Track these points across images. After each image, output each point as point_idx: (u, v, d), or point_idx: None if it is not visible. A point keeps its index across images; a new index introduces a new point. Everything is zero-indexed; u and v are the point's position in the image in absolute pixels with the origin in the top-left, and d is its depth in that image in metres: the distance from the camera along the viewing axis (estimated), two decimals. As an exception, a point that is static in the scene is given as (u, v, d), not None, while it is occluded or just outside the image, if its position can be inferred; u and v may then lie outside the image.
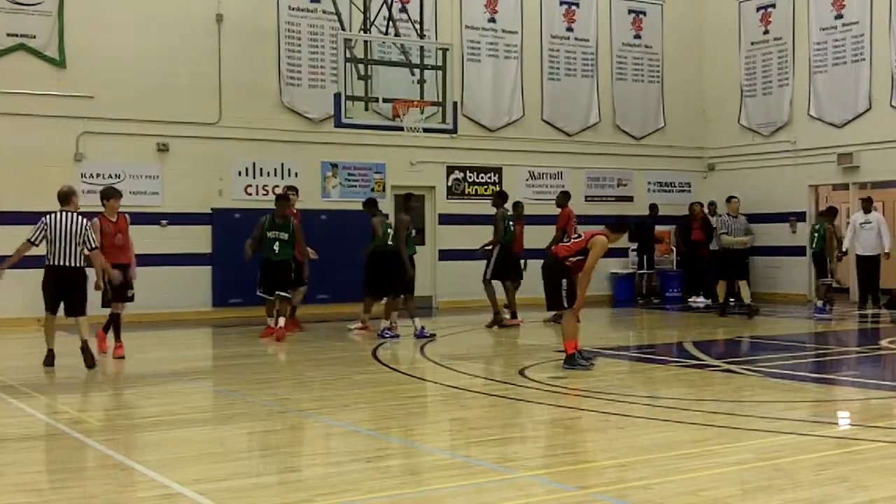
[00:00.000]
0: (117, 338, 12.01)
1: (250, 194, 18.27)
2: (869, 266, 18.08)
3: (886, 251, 17.79)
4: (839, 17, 20.86)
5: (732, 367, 10.98)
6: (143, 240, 17.19)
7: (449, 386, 10.05)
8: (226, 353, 13.39)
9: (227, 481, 6.16)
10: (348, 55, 15.72)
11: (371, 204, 15.12)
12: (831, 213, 18.24)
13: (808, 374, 10.51)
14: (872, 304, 18.09)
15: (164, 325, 16.40)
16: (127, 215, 12.45)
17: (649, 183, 23.03)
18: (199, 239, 17.78)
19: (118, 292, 11.84)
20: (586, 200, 21.90)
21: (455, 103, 16.81)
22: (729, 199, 17.74)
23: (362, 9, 17.02)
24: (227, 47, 18.29)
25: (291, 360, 12.41)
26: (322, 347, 13.32)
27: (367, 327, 14.68)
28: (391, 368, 11.39)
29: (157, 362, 12.15)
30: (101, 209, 12.05)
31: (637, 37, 22.90)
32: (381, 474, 6.31)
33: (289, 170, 18.85)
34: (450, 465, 6.55)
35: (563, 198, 17.14)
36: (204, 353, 13.78)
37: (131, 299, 12.33)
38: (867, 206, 18.16)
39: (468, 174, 20.79)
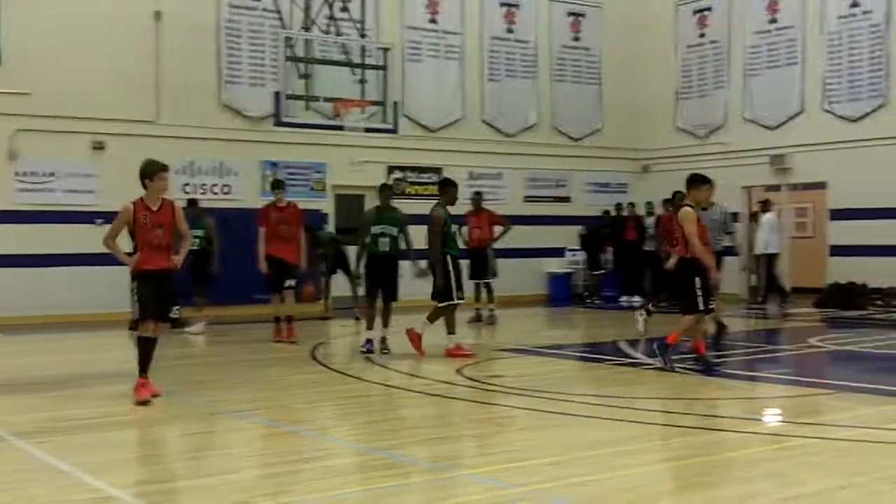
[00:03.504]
0: None
1: (188, 193, 18.11)
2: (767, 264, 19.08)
3: (775, 251, 18.57)
4: (774, 21, 21.29)
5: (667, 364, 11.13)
6: (78, 239, 17.10)
7: (387, 386, 10.08)
8: (161, 355, 13.23)
9: (163, 483, 6.14)
10: (289, 54, 15.69)
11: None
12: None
13: (740, 372, 10.72)
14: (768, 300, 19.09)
15: (98, 326, 16.17)
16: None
17: (586, 183, 23.27)
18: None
19: None
20: (525, 201, 22.07)
21: (396, 103, 16.86)
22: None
23: (303, 7, 16.98)
24: (165, 45, 18.09)
25: (228, 360, 12.32)
26: (259, 348, 13.23)
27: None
28: (329, 369, 11.38)
29: (92, 363, 11.99)
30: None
31: (576, 39, 23.12)
32: (320, 475, 6.31)
33: (228, 168, 18.72)
34: (388, 465, 6.58)
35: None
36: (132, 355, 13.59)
37: None
38: (766, 207, 19.28)
39: (409, 174, 20.83)
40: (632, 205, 21.95)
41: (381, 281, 12.20)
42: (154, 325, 8.92)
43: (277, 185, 14.17)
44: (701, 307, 10.51)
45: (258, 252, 13.43)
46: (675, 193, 13.59)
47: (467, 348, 12.05)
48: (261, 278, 13.74)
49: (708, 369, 10.48)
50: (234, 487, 6.03)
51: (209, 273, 14.95)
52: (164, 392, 8.91)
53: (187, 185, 18.29)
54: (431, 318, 12.05)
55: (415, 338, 11.96)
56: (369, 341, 12.20)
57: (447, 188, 12.46)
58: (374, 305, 12.26)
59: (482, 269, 16.46)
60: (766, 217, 19.38)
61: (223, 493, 5.89)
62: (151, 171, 8.90)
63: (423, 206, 20.15)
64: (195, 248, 13.63)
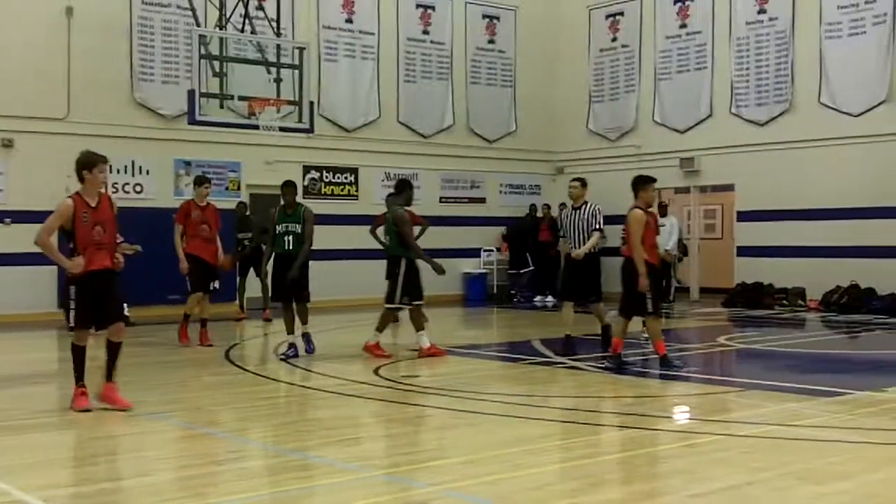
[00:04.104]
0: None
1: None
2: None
3: (667, 249, 19.05)
4: (683, 26, 21.75)
5: (578, 363, 11.35)
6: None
7: (303, 386, 10.06)
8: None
9: (74, 487, 6.05)
10: (203, 52, 15.48)
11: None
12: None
13: (649, 371, 10.95)
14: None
15: (7, 328, 15.79)
16: None
17: (501, 185, 23.48)
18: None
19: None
20: (441, 202, 22.18)
21: (312, 103, 16.75)
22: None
23: (218, 5, 16.79)
24: (76, 41, 17.72)
25: (141, 362, 12.11)
26: (174, 349, 13.05)
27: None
28: (244, 370, 11.30)
29: (4, 365, 11.72)
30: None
31: (491, 41, 23.30)
32: (235, 476, 6.29)
33: (140, 167, 18.43)
34: (303, 466, 6.59)
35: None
36: (49, 357, 13.32)
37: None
38: (663, 211, 19.30)
39: (325, 174, 20.76)
40: (547, 206, 22.25)
41: (285, 280, 11.91)
42: (88, 333, 8.47)
43: (202, 182, 13.63)
44: (650, 309, 10.69)
45: (177, 251, 13.01)
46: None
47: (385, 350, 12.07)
48: (176, 278, 13.44)
49: (619, 368, 10.68)
50: (147, 490, 5.97)
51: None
52: (133, 406, 8.38)
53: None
54: (417, 322, 12.06)
55: (432, 352, 11.86)
56: (292, 346, 11.95)
57: (406, 189, 12.38)
58: (288, 307, 12.01)
59: None
60: (669, 220, 19.62)
61: (137, 497, 5.84)
62: (91, 163, 8.33)
63: (339, 207, 20.41)
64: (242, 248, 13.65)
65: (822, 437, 7.30)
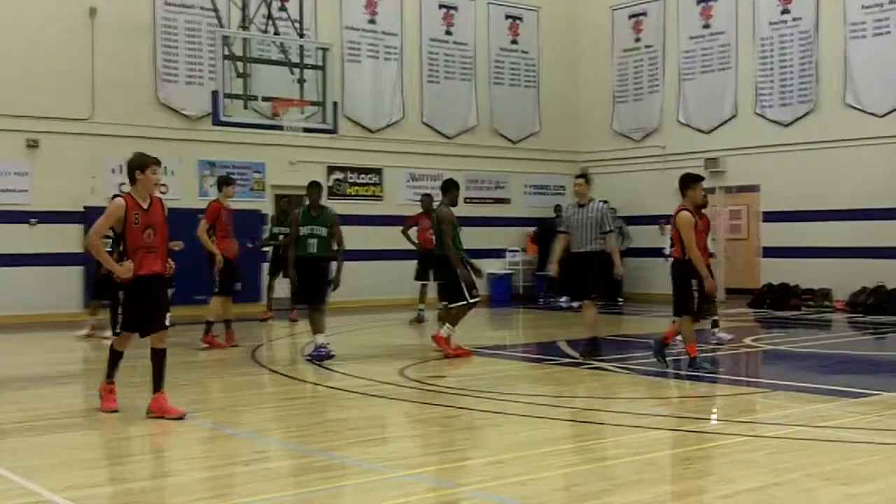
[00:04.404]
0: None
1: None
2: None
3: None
4: (707, 26, 21.66)
5: (604, 364, 11.31)
6: (12, 239, 16.82)
7: (328, 387, 10.07)
8: (98, 356, 13.08)
9: (100, 487, 6.08)
10: (227, 52, 15.56)
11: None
12: None
13: (675, 372, 10.90)
14: None
15: (33, 328, 15.91)
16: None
17: (525, 185, 23.45)
18: (70, 238, 17.26)
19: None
20: (465, 202, 22.13)
21: (335, 103, 16.81)
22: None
23: (241, 6, 16.87)
24: (100, 42, 17.85)
25: (168, 361, 12.17)
26: (198, 350, 13.07)
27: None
28: (270, 370, 11.33)
29: (27, 365, 11.81)
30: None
31: (514, 42, 23.28)
32: (260, 477, 6.29)
33: (164, 167, 18.40)
34: (329, 467, 6.59)
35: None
36: (75, 356, 13.40)
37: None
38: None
39: (349, 175, 20.80)
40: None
41: (306, 284, 11.71)
42: (130, 339, 8.21)
43: (230, 182, 13.62)
44: (695, 309, 10.63)
45: (210, 248, 12.86)
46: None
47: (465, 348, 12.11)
48: (201, 279, 13.43)
49: (699, 372, 10.54)
50: (173, 490, 6.00)
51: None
52: (186, 415, 8.10)
53: (123, 184, 18.00)
54: (453, 321, 11.96)
55: (441, 342, 11.85)
56: (321, 346, 11.71)
57: (451, 189, 12.30)
58: (317, 308, 11.85)
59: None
60: None
61: (163, 497, 5.87)
62: (144, 164, 8.06)
63: (363, 207, 20.45)
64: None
65: (849, 439, 7.24)
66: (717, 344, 12.87)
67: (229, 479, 6.30)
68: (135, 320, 8.08)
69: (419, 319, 16.54)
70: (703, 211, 11.08)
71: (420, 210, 16.83)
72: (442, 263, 12.06)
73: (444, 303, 12.16)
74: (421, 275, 16.55)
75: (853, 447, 7.01)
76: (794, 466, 6.42)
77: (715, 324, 13.41)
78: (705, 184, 20.99)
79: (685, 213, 10.55)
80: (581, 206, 11.76)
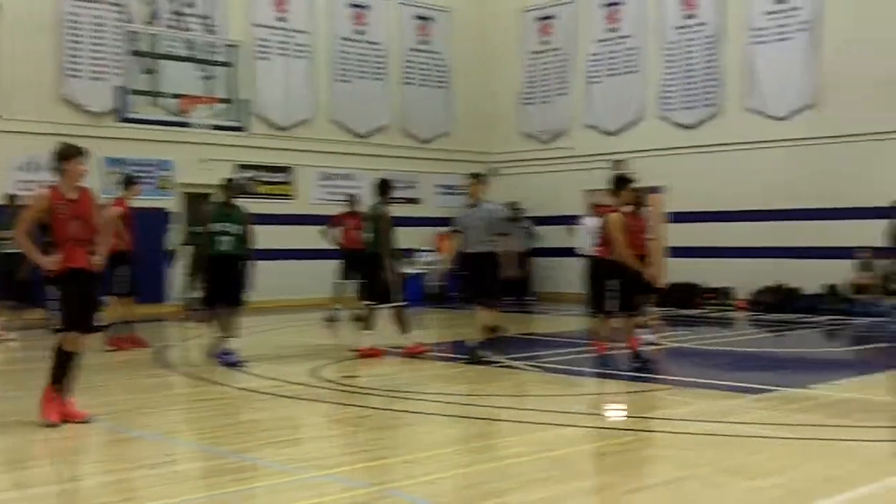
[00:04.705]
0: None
1: (29, 190, 17.37)
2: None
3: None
4: (614, 30, 22.02)
5: (514, 363, 11.43)
6: None
7: (239, 388, 9.95)
8: (7, 358, 12.76)
9: (4, 493, 5.92)
10: (133, 48, 15.29)
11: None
12: None
13: (584, 369, 11.07)
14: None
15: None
16: None
17: (435, 185, 23.52)
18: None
19: None
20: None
21: (245, 101, 16.64)
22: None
23: (148, 1, 16.60)
24: (3, 37, 17.32)
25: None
26: (103, 352, 12.80)
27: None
28: (180, 372, 11.16)
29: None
30: None
31: (425, 42, 23.34)
32: (168, 480, 6.21)
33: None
34: (241, 468, 6.53)
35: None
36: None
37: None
38: (596, 211, 19.54)
39: (259, 173, 20.60)
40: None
41: (221, 284, 11.41)
42: (81, 337, 7.80)
43: (136, 181, 13.38)
44: (612, 309, 10.79)
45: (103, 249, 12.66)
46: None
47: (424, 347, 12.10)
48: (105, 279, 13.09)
49: (645, 365, 10.71)
50: (79, 495, 5.88)
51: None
52: (92, 417, 7.88)
53: (25, 181, 17.55)
54: (402, 323, 12.03)
55: (370, 353, 11.86)
56: (230, 352, 11.35)
57: (389, 188, 12.40)
58: (220, 311, 11.50)
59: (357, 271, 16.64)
60: (588, 221, 19.96)
61: (68, 502, 5.74)
62: (68, 154, 7.87)
63: (274, 206, 20.25)
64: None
65: (752, 434, 7.45)
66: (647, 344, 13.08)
67: (137, 481, 6.20)
68: (82, 316, 7.73)
69: (333, 318, 16.50)
70: (640, 211, 11.30)
71: (345, 210, 16.89)
72: (372, 262, 12.03)
73: (368, 302, 12.10)
74: (346, 274, 16.56)
75: (756, 442, 7.21)
76: (702, 461, 6.58)
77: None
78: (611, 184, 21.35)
79: (615, 215, 10.74)
80: (473, 206, 11.67)
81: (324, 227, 17.30)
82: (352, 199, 17.22)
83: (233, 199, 11.73)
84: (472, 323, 11.85)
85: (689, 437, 7.39)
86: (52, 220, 7.69)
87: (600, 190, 21.67)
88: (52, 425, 7.62)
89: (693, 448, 7.03)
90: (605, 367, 10.78)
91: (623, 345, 11.16)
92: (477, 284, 11.67)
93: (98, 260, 7.94)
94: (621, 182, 10.99)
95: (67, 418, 7.81)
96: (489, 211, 11.61)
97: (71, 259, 7.69)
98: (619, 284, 10.72)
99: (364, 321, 12.23)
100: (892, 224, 15.74)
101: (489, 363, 11.31)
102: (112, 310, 12.78)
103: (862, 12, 18.43)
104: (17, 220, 7.87)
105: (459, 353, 11.81)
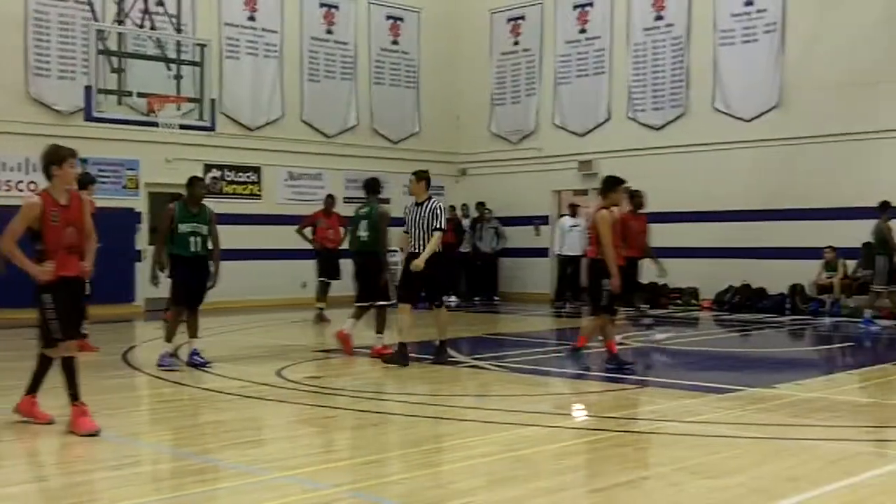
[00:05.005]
0: None
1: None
2: (574, 266, 19.57)
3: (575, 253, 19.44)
4: (583, 31, 22.12)
5: (480, 363, 11.46)
6: None
7: (203, 389, 9.91)
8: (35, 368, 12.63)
9: (-36, 494, 5.88)
10: (101, 47, 15.16)
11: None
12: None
13: (550, 369, 11.12)
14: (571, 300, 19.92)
15: None
16: None
17: (404, 185, 23.40)
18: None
19: None
20: (345, 202, 22.06)
21: (213, 100, 16.54)
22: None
23: (116, 0, 16.48)
24: (-34, 34, 17.19)
25: (29, 365, 11.79)
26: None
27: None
28: (143, 372, 11.10)
29: None
30: None
31: (395, 42, 23.33)
32: (127, 482, 6.17)
33: (34, 165, 17.88)
34: (203, 470, 6.51)
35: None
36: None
37: None
38: (574, 211, 20.14)
39: (227, 172, 20.51)
40: (452, 207, 22.37)
41: (191, 285, 11.15)
42: (75, 345, 7.62)
43: (93, 180, 12.94)
44: (606, 307, 10.84)
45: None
46: (633, 192, 13.23)
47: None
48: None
49: (621, 368, 10.71)
50: (40, 496, 5.84)
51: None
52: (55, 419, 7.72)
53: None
54: (381, 323, 11.99)
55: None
56: (171, 355, 11.09)
57: (380, 187, 12.41)
58: (182, 313, 11.20)
59: (335, 270, 16.76)
60: (564, 221, 20.35)
61: (30, 502, 5.70)
62: (60, 157, 7.58)
63: (241, 206, 20.17)
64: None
65: (715, 433, 7.52)
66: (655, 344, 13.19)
67: (98, 483, 6.16)
68: (74, 324, 7.56)
69: (322, 318, 16.53)
70: (638, 212, 11.36)
71: (319, 209, 16.98)
72: (370, 262, 11.96)
73: (364, 302, 12.04)
74: (323, 273, 16.66)
75: (718, 441, 7.28)
76: (663, 460, 6.64)
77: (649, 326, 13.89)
78: (579, 185, 21.62)
79: (604, 212, 10.79)
80: (418, 204, 11.42)
81: (297, 226, 17.31)
82: (330, 199, 17.29)
83: (199, 199, 11.44)
84: (434, 324, 11.74)
85: (653, 437, 7.45)
86: (43, 228, 7.38)
87: (574, 190, 22.12)
88: (95, 433, 7.34)
89: (656, 447, 7.09)
90: (578, 361, 10.88)
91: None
92: (425, 287, 11.48)
93: (88, 267, 7.71)
94: (611, 182, 11.04)
95: (32, 418, 7.75)
96: (430, 209, 11.30)
97: (64, 267, 7.43)
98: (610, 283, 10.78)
99: (356, 319, 12.13)
100: (879, 224, 15.83)
101: (455, 363, 11.33)
102: None
103: (825, 14, 18.63)
104: (5, 231, 7.49)
105: (424, 353, 11.80)
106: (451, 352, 11.85)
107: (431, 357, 11.53)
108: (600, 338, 11.16)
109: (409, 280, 11.35)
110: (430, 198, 11.47)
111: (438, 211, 11.28)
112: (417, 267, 11.05)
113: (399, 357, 11.18)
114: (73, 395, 7.57)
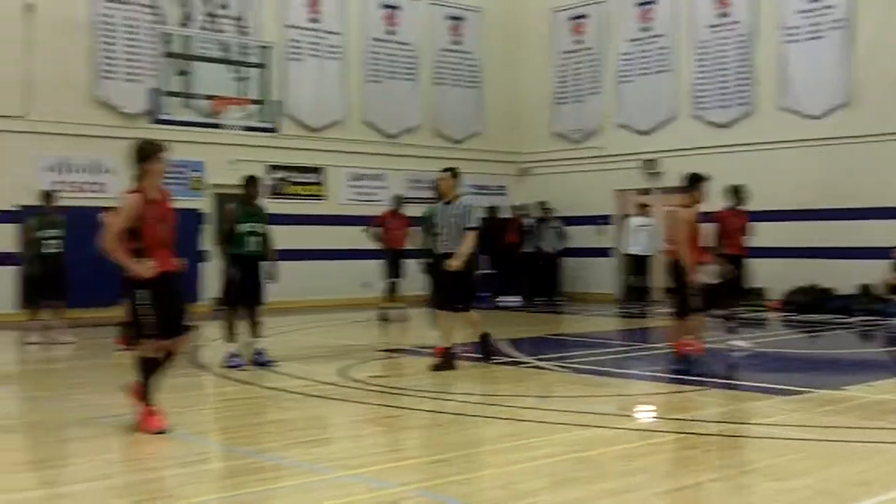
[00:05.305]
0: None
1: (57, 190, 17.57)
2: (641, 265, 19.70)
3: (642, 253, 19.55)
4: (646, 29, 21.91)
5: (542, 363, 11.40)
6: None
7: (268, 388, 10.00)
8: (33, 358, 12.88)
9: (32, 491, 5.98)
10: (166, 50, 15.41)
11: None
12: None
13: (613, 370, 11.03)
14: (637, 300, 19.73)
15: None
16: None
17: (466, 185, 23.44)
18: (3, 237, 16.93)
19: None
20: (407, 202, 22.15)
21: (277, 102, 16.72)
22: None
23: (181, 3, 16.73)
24: (37, 38, 17.52)
25: (100, 364, 12.04)
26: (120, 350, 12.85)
27: None
28: (208, 371, 11.23)
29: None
30: None
31: (456, 42, 23.33)
32: (197, 479, 6.25)
33: (101, 166, 18.25)
34: (269, 468, 6.56)
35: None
36: (7, 358, 13.16)
37: None
38: (643, 210, 20.13)
39: (290, 174, 20.69)
40: (515, 207, 22.35)
41: (249, 286, 11.14)
42: (170, 342, 7.48)
43: None
44: (691, 307, 10.80)
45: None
46: (736, 188, 13.08)
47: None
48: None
49: (684, 371, 10.63)
50: (108, 493, 5.92)
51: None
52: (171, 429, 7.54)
53: (59, 182, 17.75)
54: (476, 325, 11.30)
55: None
56: (236, 355, 11.11)
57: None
58: (238, 314, 11.22)
59: (402, 270, 17.02)
60: (633, 220, 20.24)
61: (98, 499, 5.79)
62: (151, 152, 7.44)
63: (304, 207, 20.34)
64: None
65: (783, 436, 7.39)
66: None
67: (167, 481, 6.24)
68: (169, 322, 7.44)
69: (386, 318, 16.64)
70: (739, 209, 11.25)
71: (387, 209, 17.40)
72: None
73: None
74: (391, 273, 16.87)
75: (785, 443, 7.15)
76: (730, 463, 6.55)
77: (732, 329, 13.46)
78: (642, 184, 21.46)
79: (686, 211, 10.68)
80: (447, 203, 11.00)
81: (366, 227, 17.51)
82: (397, 200, 17.42)
83: (256, 198, 11.52)
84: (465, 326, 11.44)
85: (720, 439, 7.34)
86: (141, 225, 7.33)
87: (641, 189, 21.91)
88: (163, 431, 7.40)
89: (723, 450, 6.98)
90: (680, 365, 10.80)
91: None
92: (455, 290, 10.98)
93: (181, 261, 7.71)
94: (694, 179, 10.90)
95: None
96: (462, 207, 10.89)
97: (162, 263, 7.41)
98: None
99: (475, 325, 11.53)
100: None
101: (517, 363, 11.28)
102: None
103: (894, 10, 18.22)
104: (106, 229, 7.37)
105: (480, 353, 11.72)
106: (510, 351, 11.77)
107: (480, 356, 11.38)
108: (697, 336, 11.09)
109: (443, 282, 11.06)
110: (458, 196, 11.06)
111: (471, 209, 10.95)
112: (454, 267, 10.66)
113: (445, 363, 10.85)
114: (146, 395, 7.57)
